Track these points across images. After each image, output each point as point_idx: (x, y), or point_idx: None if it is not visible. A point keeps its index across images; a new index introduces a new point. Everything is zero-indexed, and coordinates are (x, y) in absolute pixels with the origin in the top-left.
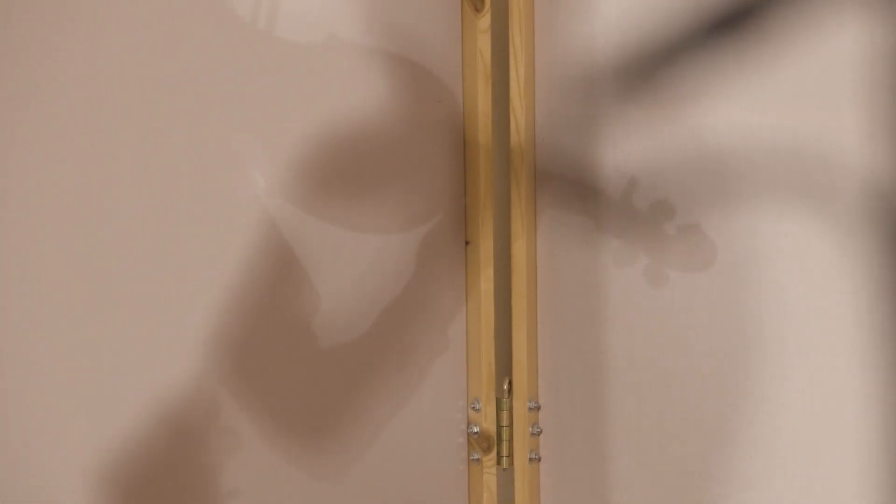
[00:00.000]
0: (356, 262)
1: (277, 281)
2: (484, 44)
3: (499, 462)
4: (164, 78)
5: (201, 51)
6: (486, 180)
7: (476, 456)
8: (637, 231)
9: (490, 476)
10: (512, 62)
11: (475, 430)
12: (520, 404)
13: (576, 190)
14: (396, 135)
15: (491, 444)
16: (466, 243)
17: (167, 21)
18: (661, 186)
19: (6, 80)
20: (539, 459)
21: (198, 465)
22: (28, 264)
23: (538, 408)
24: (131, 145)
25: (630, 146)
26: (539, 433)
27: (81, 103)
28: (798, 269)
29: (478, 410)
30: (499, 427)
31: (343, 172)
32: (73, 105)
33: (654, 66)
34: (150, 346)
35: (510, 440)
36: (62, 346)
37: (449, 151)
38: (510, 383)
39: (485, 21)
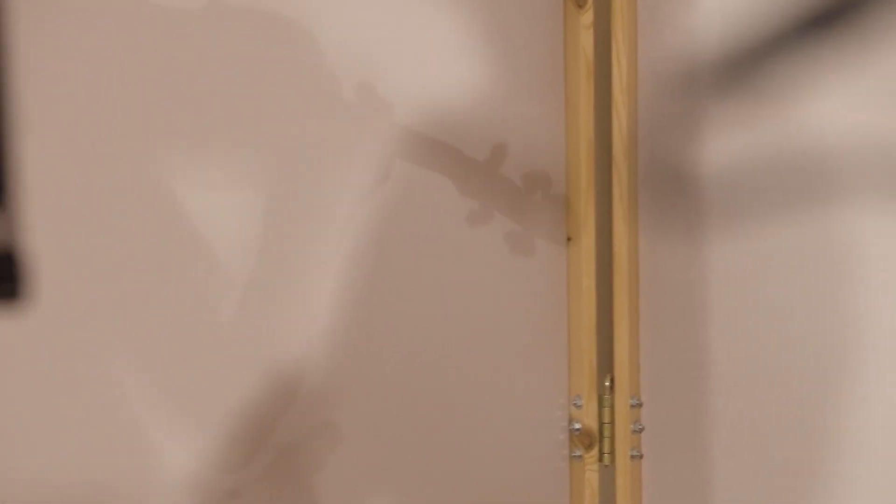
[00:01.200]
0: (456, 257)
1: (376, 279)
2: (586, 40)
3: (600, 459)
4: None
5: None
6: (588, 177)
7: (577, 453)
8: (738, 229)
9: (591, 473)
10: (614, 59)
11: (576, 426)
12: (621, 401)
13: (678, 187)
14: (496, 131)
15: (592, 441)
16: (568, 240)
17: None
18: (763, 183)
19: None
20: (641, 457)
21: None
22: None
23: (640, 405)
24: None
25: (732, 143)
26: (641, 430)
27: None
28: None
29: (579, 407)
30: (600, 424)
31: (443, 167)
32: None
33: (756, 62)
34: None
35: (612, 437)
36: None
37: (549, 148)
38: (612, 380)
39: (587, 17)
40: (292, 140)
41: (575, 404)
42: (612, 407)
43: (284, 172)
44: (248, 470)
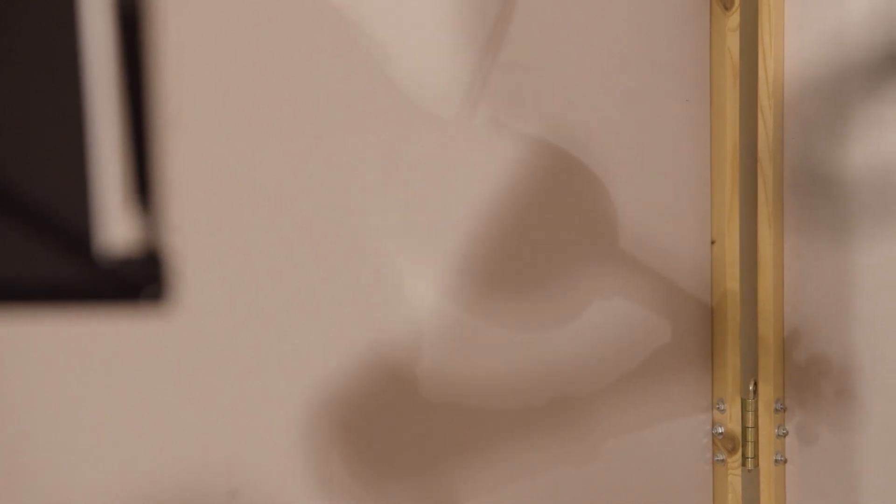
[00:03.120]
0: (599, 260)
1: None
2: (732, 42)
3: (744, 463)
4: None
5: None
6: (733, 180)
7: (721, 457)
8: (885, 231)
9: (735, 477)
10: (760, 61)
11: (720, 430)
12: (765, 405)
13: (824, 189)
14: (642, 132)
15: (736, 445)
16: (712, 242)
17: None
18: None
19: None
20: (785, 461)
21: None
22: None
23: (784, 409)
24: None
25: (882, 146)
26: (785, 434)
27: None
28: None
29: (723, 411)
30: (744, 428)
31: (585, 168)
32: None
33: None
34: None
35: (755, 441)
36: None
37: (695, 150)
38: (755, 384)
39: (734, 19)
40: (429, 145)
41: (718, 408)
42: (755, 411)
43: (422, 177)
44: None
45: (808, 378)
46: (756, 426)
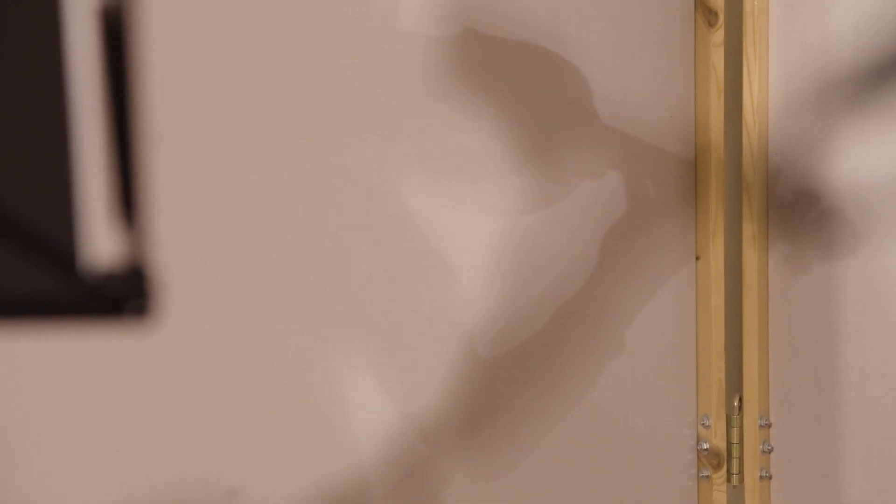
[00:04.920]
0: (582, 274)
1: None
2: (717, 58)
3: (728, 479)
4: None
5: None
6: (718, 195)
7: (706, 473)
8: (870, 246)
9: (720, 493)
10: (745, 77)
11: (705, 446)
12: (750, 421)
13: (808, 204)
14: (626, 147)
15: (721, 460)
16: (697, 258)
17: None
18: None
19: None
20: (770, 477)
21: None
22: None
23: (769, 425)
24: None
25: (865, 161)
26: (770, 451)
27: None
28: None
29: (708, 427)
30: (729, 444)
31: (571, 184)
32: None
33: (888, 78)
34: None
35: (740, 457)
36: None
37: (679, 166)
38: (741, 400)
39: (718, 36)
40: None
41: (703, 424)
42: (740, 427)
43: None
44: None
45: (793, 393)
46: (741, 442)
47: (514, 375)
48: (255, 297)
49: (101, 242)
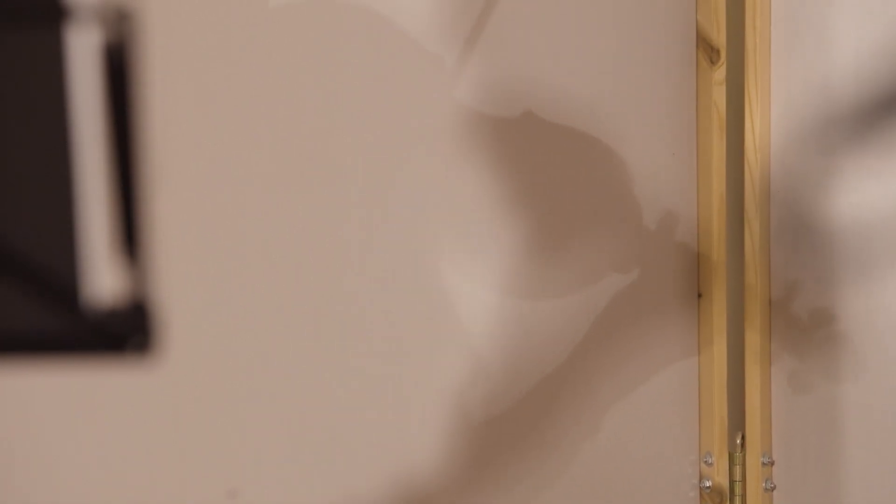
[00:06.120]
0: (585, 311)
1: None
2: (719, 96)
3: None
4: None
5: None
6: (720, 232)
7: None
8: (872, 282)
9: None
10: (747, 114)
11: (707, 484)
12: (753, 459)
13: (811, 241)
14: (627, 185)
15: (723, 498)
16: (699, 296)
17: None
18: None
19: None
20: None
21: None
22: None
23: (772, 463)
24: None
25: (867, 198)
26: (773, 489)
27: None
28: None
29: (710, 464)
30: (731, 482)
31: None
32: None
33: (890, 115)
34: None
35: (743, 495)
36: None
37: (681, 204)
38: (743, 437)
39: (720, 73)
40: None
41: (705, 461)
42: (743, 465)
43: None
44: None
45: (795, 431)
46: (744, 480)
47: (518, 416)
48: (257, 334)
49: (103, 279)
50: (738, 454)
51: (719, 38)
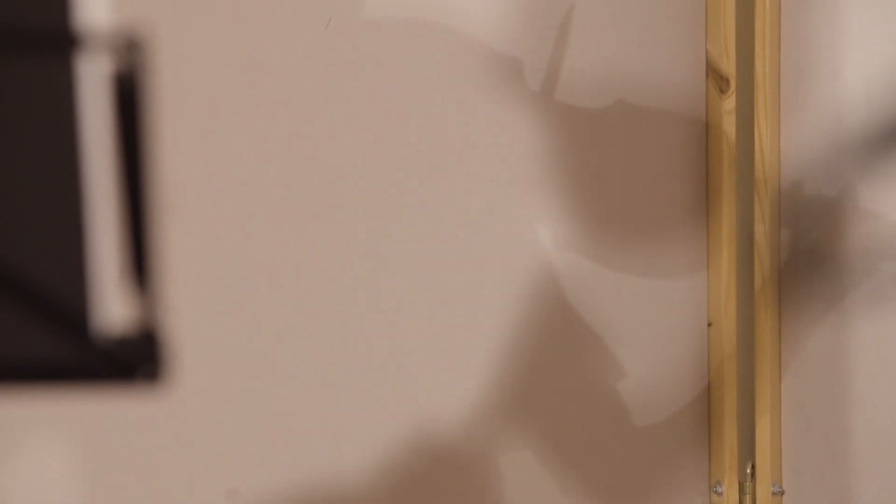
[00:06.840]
0: (594, 337)
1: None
2: (728, 125)
3: None
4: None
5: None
6: (729, 261)
7: None
8: (883, 312)
9: None
10: (757, 143)
11: None
12: (763, 489)
13: (820, 270)
14: (638, 213)
15: None
16: (709, 325)
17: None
18: None
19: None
20: None
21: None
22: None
23: (782, 492)
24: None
25: (879, 227)
26: None
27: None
28: None
29: (720, 494)
30: None
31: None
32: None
33: None
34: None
35: None
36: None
37: (690, 232)
38: (753, 467)
39: (730, 102)
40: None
41: (716, 491)
42: (753, 494)
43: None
44: None
45: (805, 461)
46: None
47: (522, 441)
48: (267, 362)
49: (113, 307)
50: (748, 484)
51: (729, 67)
